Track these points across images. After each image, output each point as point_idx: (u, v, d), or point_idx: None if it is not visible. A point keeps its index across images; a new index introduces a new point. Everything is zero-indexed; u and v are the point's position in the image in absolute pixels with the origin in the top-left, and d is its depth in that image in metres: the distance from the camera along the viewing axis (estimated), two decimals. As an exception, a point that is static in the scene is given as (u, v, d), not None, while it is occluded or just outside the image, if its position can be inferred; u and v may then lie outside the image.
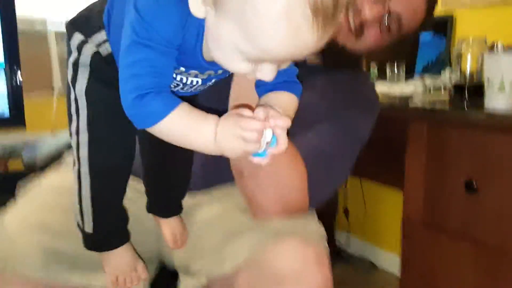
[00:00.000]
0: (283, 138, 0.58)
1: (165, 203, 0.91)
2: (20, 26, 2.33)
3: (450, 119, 1.19)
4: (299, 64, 0.97)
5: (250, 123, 0.54)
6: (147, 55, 0.55)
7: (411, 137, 1.31)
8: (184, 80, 0.65)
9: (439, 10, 1.97)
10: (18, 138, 2.31)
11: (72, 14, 0.76)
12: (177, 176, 0.90)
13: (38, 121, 2.52)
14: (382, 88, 1.67)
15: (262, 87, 0.66)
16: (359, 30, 0.94)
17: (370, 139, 1.00)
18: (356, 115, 1.00)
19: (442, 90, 1.57)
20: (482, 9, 1.83)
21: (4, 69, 2.26)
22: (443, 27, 1.91)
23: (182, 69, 0.63)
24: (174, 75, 0.63)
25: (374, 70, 1.86)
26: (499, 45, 1.43)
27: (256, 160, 0.59)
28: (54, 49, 2.68)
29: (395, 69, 1.71)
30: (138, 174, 0.91)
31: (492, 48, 1.41)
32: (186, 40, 0.57)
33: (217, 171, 0.96)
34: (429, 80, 1.61)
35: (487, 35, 1.42)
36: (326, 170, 0.95)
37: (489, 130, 1.11)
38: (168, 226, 0.91)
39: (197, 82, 0.66)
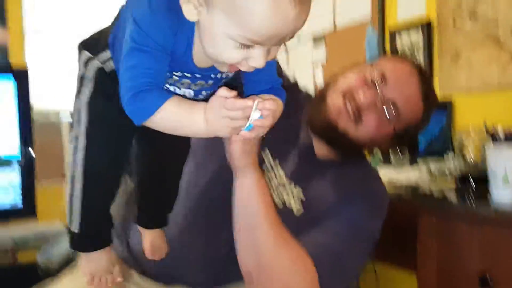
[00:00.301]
0: (269, 119, 0.65)
1: (151, 215, 0.97)
2: (35, 117, 2.43)
3: (459, 213, 1.20)
4: (311, 160, 1.01)
5: (234, 103, 0.61)
6: (143, 59, 0.63)
7: (421, 227, 1.32)
8: (177, 91, 0.72)
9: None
10: (30, 229, 2.33)
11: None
12: (166, 188, 0.96)
13: (49, 208, 2.55)
14: (387, 173, 1.70)
15: (250, 92, 0.73)
16: (357, 115, 0.97)
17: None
18: (366, 211, 1.02)
19: (448, 176, 1.59)
20: (480, 94, 1.89)
21: (19, 162, 2.33)
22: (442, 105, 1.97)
23: (175, 78, 0.70)
24: (168, 86, 0.70)
25: (377, 154, 1.90)
26: (500, 132, 1.45)
27: (242, 133, 0.65)
28: (67, 139, 2.78)
29: (399, 154, 1.75)
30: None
31: (493, 135, 1.44)
32: (177, 46, 0.65)
33: (225, 270, 0.98)
34: (433, 165, 1.64)
35: (486, 119, 1.46)
36: (336, 269, 0.95)
37: (497, 225, 1.12)
38: (150, 236, 0.96)
39: (190, 93, 0.73)
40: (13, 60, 2.66)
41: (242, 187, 0.90)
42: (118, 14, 0.75)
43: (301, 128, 1.08)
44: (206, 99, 0.67)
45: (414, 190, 1.48)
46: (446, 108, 1.96)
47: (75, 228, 0.84)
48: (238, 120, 0.62)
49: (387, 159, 1.83)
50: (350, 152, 1.06)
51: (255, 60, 0.62)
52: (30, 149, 2.34)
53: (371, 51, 2.38)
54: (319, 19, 2.72)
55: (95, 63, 0.79)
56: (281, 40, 0.61)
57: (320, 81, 2.74)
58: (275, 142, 0.99)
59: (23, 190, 2.32)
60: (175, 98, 0.65)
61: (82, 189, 0.81)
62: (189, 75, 0.70)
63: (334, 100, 1.00)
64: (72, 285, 1.04)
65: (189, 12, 0.62)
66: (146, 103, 0.63)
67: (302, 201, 1.01)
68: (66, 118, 2.79)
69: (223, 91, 0.62)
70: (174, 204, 0.97)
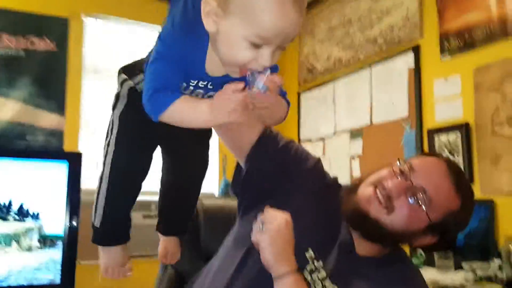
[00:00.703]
0: (274, 92, 0.79)
1: (169, 223, 1.10)
2: (82, 196, 2.54)
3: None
4: (351, 258, 1.03)
5: (237, 84, 0.75)
6: (161, 66, 0.78)
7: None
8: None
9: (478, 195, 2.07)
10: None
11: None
12: (185, 199, 1.09)
13: (87, 286, 2.58)
14: (431, 276, 1.69)
15: None
16: (388, 202, 0.98)
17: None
18: None
19: (494, 281, 1.57)
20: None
21: (62, 240, 2.42)
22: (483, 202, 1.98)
23: (191, 88, 0.84)
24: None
25: (421, 256, 1.90)
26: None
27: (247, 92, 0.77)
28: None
29: (443, 256, 1.75)
30: None
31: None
32: (193, 57, 0.79)
33: None
34: (479, 270, 1.63)
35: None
36: None
37: None
38: (165, 242, 1.10)
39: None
40: (67, 145, 2.85)
41: None
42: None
43: (342, 225, 1.09)
44: None
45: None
46: (487, 205, 1.97)
47: (98, 223, 0.98)
48: (238, 109, 0.75)
49: (431, 261, 1.82)
50: (386, 243, 1.05)
51: (264, 58, 0.74)
52: (74, 227, 2.42)
53: (409, 149, 2.46)
54: (356, 114, 2.85)
55: (129, 83, 0.96)
56: (285, 39, 0.75)
57: (357, 173, 2.80)
58: (318, 241, 1.03)
59: (63, 267, 2.38)
60: (185, 96, 0.79)
61: (107, 188, 0.96)
62: (202, 84, 0.84)
63: (365, 191, 1.02)
64: None
65: (209, 24, 0.75)
66: (160, 101, 0.77)
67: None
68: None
69: (229, 85, 0.75)
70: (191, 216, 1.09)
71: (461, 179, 1.02)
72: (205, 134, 1.08)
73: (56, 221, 2.44)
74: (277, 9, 0.70)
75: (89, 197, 2.89)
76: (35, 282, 2.33)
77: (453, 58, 2.30)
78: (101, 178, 0.98)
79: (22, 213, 2.40)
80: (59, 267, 2.41)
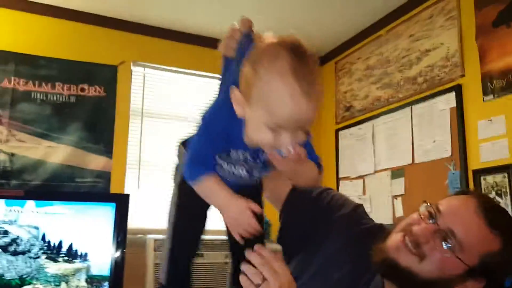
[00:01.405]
0: (299, 160, 0.88)
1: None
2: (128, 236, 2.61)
3: None
4: None
5: (250, 226, 0.91)
6: (202, 139, 0.91)
7: None
8: (233, 170, 0.95)
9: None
10: None
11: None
12: None
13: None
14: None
15: None
16: (417, 249, 0.94)
17: None
18: None
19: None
20: None
21: (109, 280, 2.48)
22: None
23: (232, 156, 0.93)
24: (226, 165, 0.94)
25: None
26: None
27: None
28: (152, 256, 2.91)
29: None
30: None
31: None
32: (233, 132, 0.89)
33: None
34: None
35: None
36: None
37: None
38: None
39: (244, 174, 0.96)
40: (114, 186, 2.96)
41: None
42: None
43: (375, 274, 1.06)
44: (258, 180, 1.00)
45: None
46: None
47: (164, 280, 1.03)
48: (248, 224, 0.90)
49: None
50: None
51: (284, 140, 0.83)
52: (120, 267, 2.48)
53: (453, 189, 2.42)
54: (397, 153, 2.84)
55: (178, 177, 1.04)
56: (301, 125, 0.83)
57: (400, 213, 2.77)
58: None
59: (108, 309, 2.43)
60: (214, 177, 0.92)
61: (169, 248, 1.02)
62: (242, 154, 0.93)
63: (394, 238, 0.99)
64: None
65: (238, 109, 0.86)
66: (194, 172, 0.91)
67: None
68: (152, 235, 2.95)
69: (248, 203, 0.91)
70: None
71: (497, 215, 0.96)
72: (258, 190, 1.12)
73: (103, 261, 2.51)
74: (290, 102, 0.78)
75: (133, 236, 2.97)
76: (83, 323, 2.38)
77: (496, 98, 2.28)
78: (165, 240, 1.05)
79: (71, 254, 2.48)
80: (105, 308, 2.46)
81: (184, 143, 1.07)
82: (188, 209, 1.02)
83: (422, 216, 0.97)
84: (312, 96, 0.80)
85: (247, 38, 0.94)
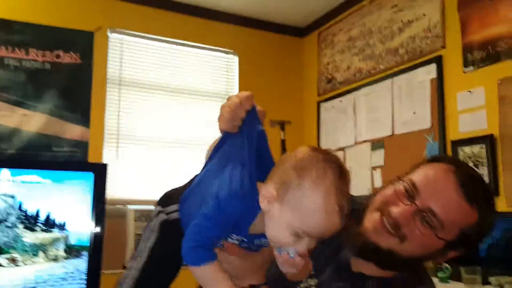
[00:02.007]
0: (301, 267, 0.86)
1: None
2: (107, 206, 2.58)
3: None
4: (348, 276, 1.01)
5: None
6: (210, 224, 0.85)
7: None
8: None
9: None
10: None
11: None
12: None
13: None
14: (458, 290, 1.69)
15: None
16: (398, 230, 0.93)
17: None
18: None
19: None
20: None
21: (88, 250, 2.45)
22: (510, 221, 1.97)
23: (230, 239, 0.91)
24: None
25: (447, 271, 1.89)
26: None
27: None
28: (132, 226, 2.90)
29: (470, 271, 1.74)
30: None
31: None
32: (242, 221, 0.86)
33: None
34: (507, 285, 1.62)
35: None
36: None
37: None
38: None
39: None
40: (92, 156, 2.91)
41: None
42: (194, 179, 1.00)
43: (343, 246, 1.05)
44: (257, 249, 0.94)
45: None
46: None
47: None
48: None
49: (458, 275, 1.81)
50: (406, 268, 0.98)
51: (302, 247, 0.84)
52: (100, 237, 2.46)
53: (432, 160, 2.45)
54: (378, 125, 2.85)
55: (162, 217, 1.03)
56: (324, 236, 0.83)
57: (379, 184, 2.80)
58: (317, 257, 1.02)
59: (88, 277, 2.42)
60: (215, 265, 0.85)
61: (136, 277, 0.99)
62: (240, 237, 0.90)
63: (371, 219, 0.97)
64: None
65: (264, 204, 0.85)
66: (196, 256, 0.85)
67: None
68: (132, 206, 2.94)
69: None
70: None
71: (476, 188, 0.94)
72: None
73: (82, 231, 2.48)
74: (325, 217, 0.81)
75: (113, 206, 2.95)
76: (62, 291, 2.37)
77: (476, 70, 2.30)
78: (131, 266, 1.02)
79: (49, 224, 2.44)
80: (84, 276, 2.44)
81: (160, 200, 1.06)
82: (164, 255, 0.99)
83: (398, 194, 0.94)
84: (345, 211, 0.82)
85: (251, 115, 0.95)
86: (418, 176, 0.94)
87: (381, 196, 0.97)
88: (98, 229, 2.47)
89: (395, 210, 0.92)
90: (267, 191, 0.84)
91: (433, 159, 1.00)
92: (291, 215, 0.82)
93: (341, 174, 0.83)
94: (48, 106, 2.82)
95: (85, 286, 2.42)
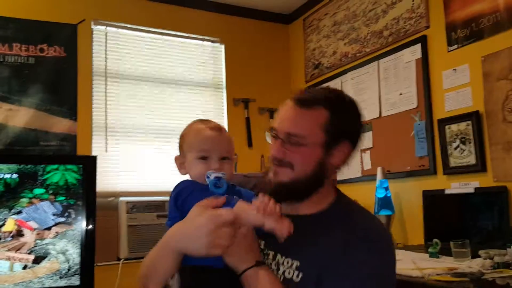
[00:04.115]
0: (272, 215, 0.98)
1: None
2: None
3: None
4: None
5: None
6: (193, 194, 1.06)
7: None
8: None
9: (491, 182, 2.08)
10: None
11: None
12: None
13: (104, 286, 2.62)
14: (448, 264, 1.71)
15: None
16: (282, 162, 1.10)
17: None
18: (364, 252, 1.02)
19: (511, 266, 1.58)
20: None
21: (81, 242, 2.45)
22: (497, 196, 2.00)
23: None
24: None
25: (436, 245, 1.91)
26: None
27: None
28: (124, 218, 2.89)
29: (460, 245, 1.76)
30: None
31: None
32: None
33: None
34: (497, 257, 1.64)
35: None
36: None
37: None
38: None
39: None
40: (80, 149, 2.89)
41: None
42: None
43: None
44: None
45: (477, 279, 1.47)
46: (501, 192, 1.99)
47: None
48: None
49: (448, 250, 1.84)
50: (313, 188, 1.12)
51: (212, 164, 1.08)
52: (92, 229, 2.46)
53: (419, 139, 2.47)
54: (365, 107, 2.87)
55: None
56: (221, 152, 1.09)
57: (368, 166, 2.82)
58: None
59: (82, 269, 2.42)
60: None
61: None
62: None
63: (269, 170, 1.15)
64: None
65: (182, 171, 1.14)
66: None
67: (297, 267, 1.05)
68: (124, 200, 2.93)
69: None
70: None
71: (306, 96, 1.11)
72: None
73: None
74: (201, 133, 1.12)
75: (105, 199, 2.93)
76: (55, 285, 2.37)
77: (460, 48, 2.32)
78: None
79: (40, 218, 2.43)
80: (78, 270, 2.44)
81: None
82: None
83: (273, 141, 1.14)
84: (218, 131, 1.12)
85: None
86: (274, 121, 1.15)
87: (269, 156, 1.16)
88: (89, 222, 2.47)
89: (272, 151, 1.12)
90: (177, 159, 1.15)
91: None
92: (188, 151, 1.11)
93: (206, 120, 1.16)
94: (34, 100, 2.79)
95: (79, 278, 2.42)
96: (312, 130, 1.08)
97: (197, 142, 1.10)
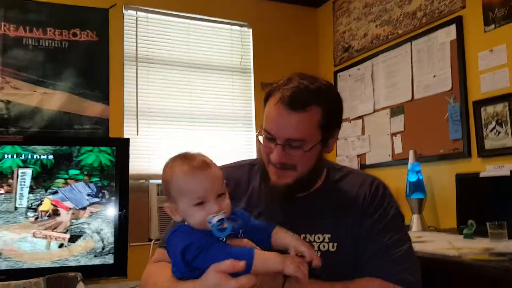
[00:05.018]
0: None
1: None
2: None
3: None
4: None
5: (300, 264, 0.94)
6: (215, 253, 0.95)
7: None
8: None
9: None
10: (120, 286, 2.45)
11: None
12: None
13: (136, 267, 2.67)
14: (484, 244, 1.68)
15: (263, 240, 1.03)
16: (286, 165, 1.14)
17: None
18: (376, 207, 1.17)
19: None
20: None
21: (116, 223, 2.50)
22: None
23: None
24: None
25: (471, 225, 1.88)
26: None
27: None
28: (155, 200, 2.94)
29: (497, 226, 1.73)
30: None
31: None
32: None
33: None
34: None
35: None
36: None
37: None
38: None
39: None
40: (112, 133, 2.95)
41: None
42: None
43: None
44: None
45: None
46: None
47: None
48: None
49: (482, 233, 1.81)
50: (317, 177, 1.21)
51: (211, 209, 0.96)
52: (125, 210, 2.51)
53: (453, 122, 2.43)
54: (397, 91, 2.83)
55: None
56: (214, 191, 0.98)
57: (399, 150, 2.79)
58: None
59: (116, 249, 2.48)
60: (256, 250, 0.95)
61: None
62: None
63: (271, 172, 1.17)
64: None
65: (175, 217, 1.02)
66: (246, 253, 0.93)
67: (329, 239, 1.14)
68: (154, 183, 2.98)
69: None
70: None
71: (296, 99, 1.10)
72: None
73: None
74: (192, 180, 0.98)
75: (136, 182, 2.98)
76: (90, 263, 2.43)
77: (497, 28, 2.25)
78: None
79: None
80: (112, 250, 2.50)
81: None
82: None
83: (267, 144, 1.15)
84: (206, 168, 1.00)
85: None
86: (266, 123, 1.15)
87: (262, 153, 1.18)
88: (122, 203, 2.52)
89: (272, 156, 1.13)
90: (167, 208, 1.04)
91: (268, 93, 1.18)
92: (179, 198, 0.99)
93: (183, 156, 1.03)
94: (68, 84, 2.85)
95: (113, 258, 2.48)
96: (310, 131, 1.12)
97: (189, 188, 0.98)
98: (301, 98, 1.10)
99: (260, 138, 1.18)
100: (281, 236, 1.02)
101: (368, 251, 1.12)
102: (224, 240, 0.98)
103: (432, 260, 1.53)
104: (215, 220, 0.95)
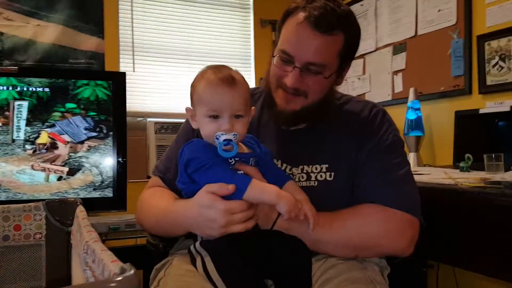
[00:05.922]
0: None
1: None
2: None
3: None
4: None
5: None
6: (217, 171, 0.97)
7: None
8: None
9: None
10: (120, 218, 2.50)
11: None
12: None
13: (135, 201, 2.70)
14: (480, 175, 1.69)
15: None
16: (298, 91, 1.11)
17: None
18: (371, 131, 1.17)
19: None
20: None
21: (115, 157, 2.51)
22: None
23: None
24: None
25: (468, 159, 1.89)
26: None
27: None
28: (153, 138, 2.94)
29: (494, 158, 1.74)
30: None
31: None
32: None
33: None
34: (531, 170, 1.62)
35: None
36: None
37: None
38: None
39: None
40: (108, 68, 2.90)
41: None
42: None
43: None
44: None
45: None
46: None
47: None
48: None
49: (479, 167, 1.81)
50: (327, 106, 1.19)
51: (224, 125, 0.95)
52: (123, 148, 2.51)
53: (456, 58, 2.38)
54: (400, 27, 2.75)
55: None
56: (232, 110, 0.96)
57: (399, 89, 2.75)
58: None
59: (115, 182, 2.50)
60: (253, 180, 0.95)
61: None
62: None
63: (278, 97, 1.15)
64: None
65: (194, 124, 1.04)
66: (242, 181, 0.95)
67: (327, 169, 1.14)
68: (152, 121, 2.96)
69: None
70: None
71: (324, 20, 1.04)
72: None
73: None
74: (212, 91, 0.97)
75: (133, 119, 2.95)
76: (90, 195, 2.46)
77: (508, -43, 2.15)
78: None
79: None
80: (112, 185, 2.52)
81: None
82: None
83: (281, 67, 1.10)
84: (231, 84, 0.96)
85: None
86: (283, 43, 1.09)
87: (273, 77, 1.13)
88: (120, 138, 2.52)
89: (287, 80, 1.08)
90: (187, 110, 1.05)
91: (288, 11, 1.13)
92: (198, 105, 1.00)
93: (220, 67, 1.01)
94: (61, 16, 2.77)
95: (112, 192, 2.51)
96: (331, 58, 1.07)
97: (206, 97, 0.97)
98: (329, 20, 1.04)
99: (274, 60, 1.12)
100: (292, 192, 0.98)
101: (367, 175, 1.11)
102: (233, 163, 0.98)
103: (428, 189, 1.54)
104: (222, 138, 0.94)
